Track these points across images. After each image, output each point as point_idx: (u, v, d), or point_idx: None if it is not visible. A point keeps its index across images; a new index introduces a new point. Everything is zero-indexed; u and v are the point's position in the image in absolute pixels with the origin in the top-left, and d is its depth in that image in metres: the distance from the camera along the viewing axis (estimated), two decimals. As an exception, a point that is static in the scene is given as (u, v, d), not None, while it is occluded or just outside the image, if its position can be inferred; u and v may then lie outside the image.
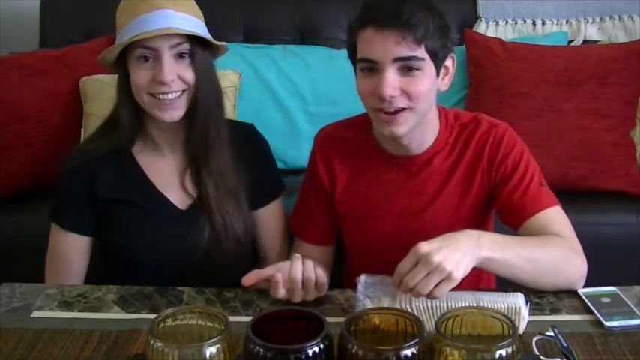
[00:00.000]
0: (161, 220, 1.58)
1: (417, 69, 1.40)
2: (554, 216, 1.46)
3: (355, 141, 1.58)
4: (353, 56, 1.46)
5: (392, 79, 1.39)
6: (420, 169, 1.53)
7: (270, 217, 1.68)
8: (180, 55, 1.49)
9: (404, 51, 1.38)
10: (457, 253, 1.23)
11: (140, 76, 1.49)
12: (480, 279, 1.58)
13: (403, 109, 1.42)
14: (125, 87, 1.53)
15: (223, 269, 1.56)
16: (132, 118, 1.55)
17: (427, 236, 1.27)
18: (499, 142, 1.51)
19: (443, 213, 1.53)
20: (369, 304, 1.27)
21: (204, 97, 1.53)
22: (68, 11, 2.66)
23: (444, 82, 1.47)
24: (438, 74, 1.44)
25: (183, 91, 1.50)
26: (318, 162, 1.61)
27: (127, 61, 1.50)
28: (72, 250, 1.60)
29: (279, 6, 2.71)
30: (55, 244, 1.62)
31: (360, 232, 1.59)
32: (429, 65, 1.41)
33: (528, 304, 1.30)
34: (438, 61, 1.42)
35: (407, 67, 1.39)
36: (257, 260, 1.71)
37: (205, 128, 1.55)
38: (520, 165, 1.49)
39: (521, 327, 1.26)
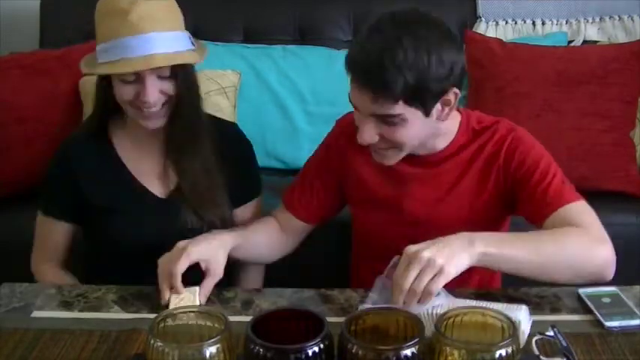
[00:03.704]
0: (142, 210, 1.60)
1: (396, 123, 1.40)
2: (579, 209, 1.42)
3: None
4: None
5: (368, 130, 1.41)
6: (437, 165, 1.54)
7: (245, 217, 1.70)
8: (160, 76, 1.49)
9: (379, 109, 1.38)
10: (446, 249, 1.24)
11: (123, 93, 1.50)
12: (491, 279, 1.60)
13: (388, 148, 1.45)
14: (106, 89, 1.54)
15: None
16: (110, 109, 1.59)
17: (440, 231, 1.29)
18: (517, 144, 1.50)
19: (457, 208, 1.53)
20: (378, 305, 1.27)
21: (186, 107, 1.55)
22: (68, 11, 2.65)
23: (445, 114, 1.44)
24: (428, 114, 1.41)
25: (164, 102, 1.52)
26: (339, 144, 1.61)
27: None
28: (53, 234, 1.65)
29: (279, 6, 2.71)
30: (38, 229, 1.68)
31: (374, 219, 1.60)
32: (412, 114, 1.39)
33: (530, 320, 1.27)
34: (427, 106, 1.40)
35: (385, 120, 1.40)
36: None
37: (186, 130, 1.58)
38: (540, 164, 1.47)
39: (522, 341, 1.22)
